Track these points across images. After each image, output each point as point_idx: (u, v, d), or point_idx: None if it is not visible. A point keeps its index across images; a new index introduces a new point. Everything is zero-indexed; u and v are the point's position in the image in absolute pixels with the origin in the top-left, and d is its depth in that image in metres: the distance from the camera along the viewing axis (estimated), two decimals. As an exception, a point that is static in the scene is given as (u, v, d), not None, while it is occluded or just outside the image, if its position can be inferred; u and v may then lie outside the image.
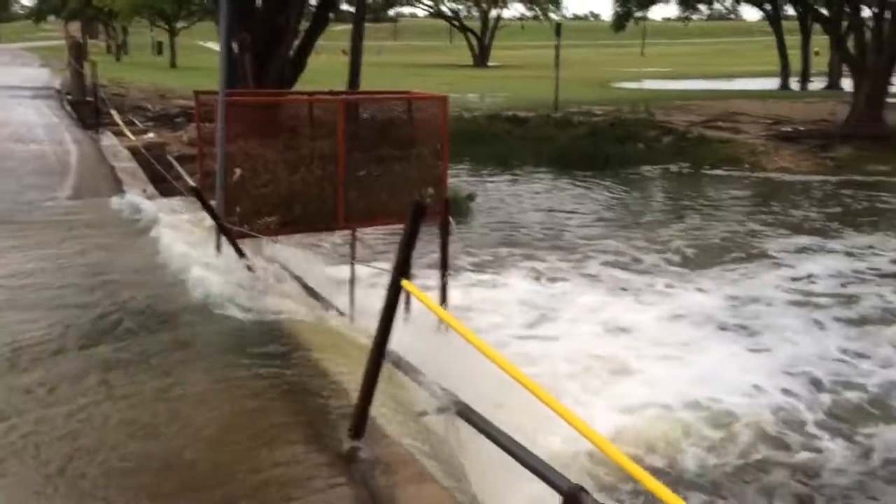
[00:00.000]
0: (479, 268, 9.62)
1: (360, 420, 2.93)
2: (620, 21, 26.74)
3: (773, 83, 31.50)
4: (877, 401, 6.27)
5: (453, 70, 40.99)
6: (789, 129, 18.67)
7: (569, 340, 7.36)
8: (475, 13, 53.50)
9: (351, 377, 3.54)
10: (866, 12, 18.93)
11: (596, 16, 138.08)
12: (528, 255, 10.35)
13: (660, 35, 76.89)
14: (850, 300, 8.69)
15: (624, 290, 9.06)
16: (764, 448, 5.52)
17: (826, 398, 6.30)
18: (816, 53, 33.77)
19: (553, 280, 9.33)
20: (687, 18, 33.88)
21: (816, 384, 6.54)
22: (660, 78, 37.20)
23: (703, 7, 32.31)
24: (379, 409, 3.31)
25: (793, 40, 32.41)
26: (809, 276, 9.53)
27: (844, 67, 23.76)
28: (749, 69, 40.19)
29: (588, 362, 6.80)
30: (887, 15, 18.20)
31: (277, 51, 11.42)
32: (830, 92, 27.80)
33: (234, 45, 11.08)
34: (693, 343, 7.41)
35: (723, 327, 7.89)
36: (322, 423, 3.30)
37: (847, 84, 21.99)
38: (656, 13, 65.09)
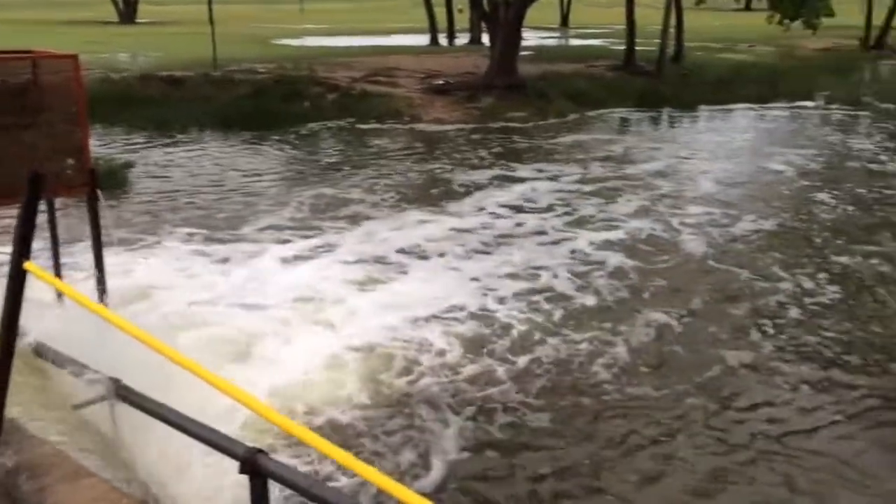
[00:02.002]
0: (147, 238, 8.99)
1: (-7, 426, 2.58)
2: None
3: (424, 39, 33.46)
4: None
5: (97, 27, 37.10)
6: (441, 83, 20.04)
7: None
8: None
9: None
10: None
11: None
12: (220, 216, 10.02)
13: (317, -9, 77.08)
14: (570, 209, 10.60)
15: (380, 222, 9.86)
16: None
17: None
18: (460, 11, 36.41)
19: (301, 230, 9.41)
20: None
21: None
22: (320, 34, 37.44)
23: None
24: (23, 408, 2.95)
25: (440, -2, 34.66)
26: (522, 194, 11.35)
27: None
28: (403, 26, 42.17)
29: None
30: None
31: None
32: (473, 46, 30.32)
33: None
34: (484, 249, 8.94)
35: (499, 238, 9.35)
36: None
37: (487, 39, 24.10)
38: (311, -31, 65.01)
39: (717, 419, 5.34)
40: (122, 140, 14.64)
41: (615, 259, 8.53)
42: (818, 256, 8.66)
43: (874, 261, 8.43)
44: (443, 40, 33.64)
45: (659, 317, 6.98)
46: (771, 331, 6.73)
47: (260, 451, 2.35)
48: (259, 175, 12.48)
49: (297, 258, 8.43)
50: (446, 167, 13.41)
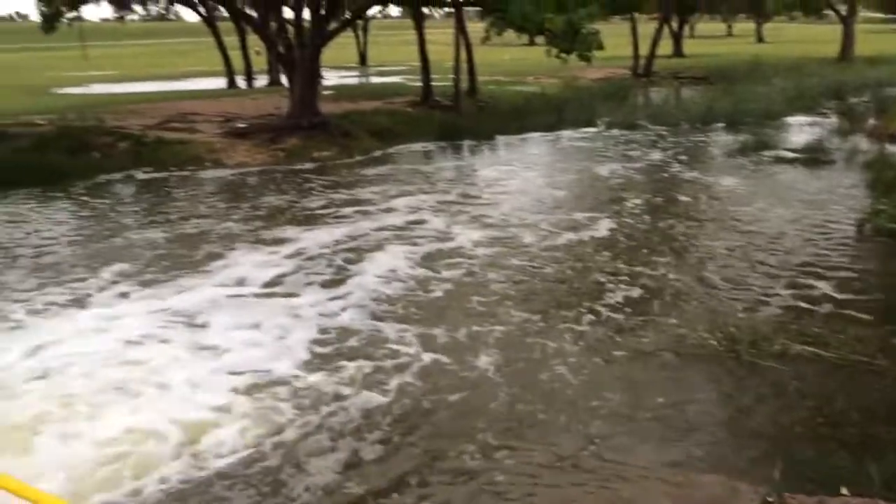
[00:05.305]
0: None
1: None
2: (49, 21, 24.49)
3: (221, 82, 32.67)
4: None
5: None
6: (242, 126, 19.63)
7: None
8: None
9: None
10: (288, 13, 20.81)
11: (24, 16, 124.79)
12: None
13: (103, 36, 73.10)
14: (421, 227, 11.59)
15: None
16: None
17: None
18: (257, 53, 35.98)
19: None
20: (122, 18, 32.75)
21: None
22: (107, 81, 35.45)
23: (137, 7, 31.60)
24: None
25: (234, 40, 34.03)
26: (389, 210, 12.49)
27: (282, 65, 25.74)
28: (198, 69, 40.94)
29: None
30: (306, 14, 20.32)
31: None
32: (273, 88, 30.04)
33: None
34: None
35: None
36: None
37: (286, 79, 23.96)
38: (92, 13, 61.56)
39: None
40: None
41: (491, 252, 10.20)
42: (632, 262, 9.59)
43: (662, 270, 9.29)
44: (241, 82, 33.05)
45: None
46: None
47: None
48: (68, 240, 11.34)
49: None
50: (288, 199, 13.67)
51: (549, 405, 6.04)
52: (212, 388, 6.36)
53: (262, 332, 7.58)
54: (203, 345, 7.29)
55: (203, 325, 7.79)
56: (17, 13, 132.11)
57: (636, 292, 8.50)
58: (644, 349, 7.07)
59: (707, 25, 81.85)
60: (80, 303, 8.47)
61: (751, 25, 69.49)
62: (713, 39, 68.73)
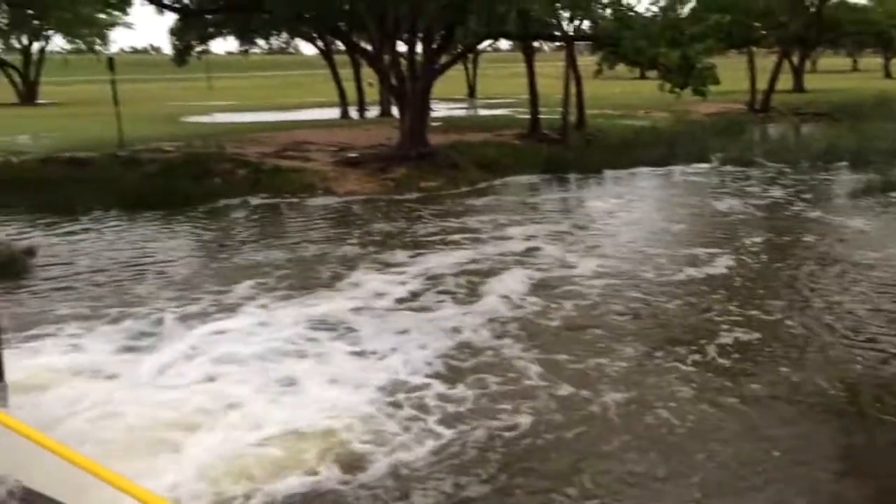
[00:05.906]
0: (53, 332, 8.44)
1: None
2: (181, 55, 26.19)
3: (335, 113, 33.85)
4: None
5: (-5, 109, 36.00)
6: (354, 155, 20.21)
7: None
8: (14, 45, 47.63)
9: None
10: (402, 47, 21.36)
11: (157, 49, 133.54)
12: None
13: (227, 68, 77.30)
14: (536, 254, 11.69)
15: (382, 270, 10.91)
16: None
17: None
18: (370, 84, 37.12)
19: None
20: (246, 52, 34.63)
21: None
22: (229, 111, 37.35)
23: (261, 41, 33.34)
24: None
25: (349, 72, 35.28)
26: (505, 250, 12.05)
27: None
28: (313, 100, 42.60)
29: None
30: (419, 48, 20.83)
31: None
32: (384, 119, 30.85)
33: None
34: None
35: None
36: None
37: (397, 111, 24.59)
38: (219, 47, 65.57)
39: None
40: (23, 224, 13.99)
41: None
42: (748, 305, 9.23)
43: (780, 314, 8.87)
44: (354, 113, 34.12)
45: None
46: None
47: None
48: (187, 254, 12.04)
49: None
50: (399, 226, 14.07)
51: (659, 452, 5.82)
52: (355, 390, 6.78)
53: (400, 342, 7.97)
54: (349, 350, 7.78)
55: (346, 334, 8.26)
56: (152, 46, 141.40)
57: (754, 335, 8.14)
58: (758, 397, 6.74)
59: (830, 60, 78.53)
60: (224, 312, 8.97)
61: (877, 60, 66.17)
62: (837, 74, 65.81)
